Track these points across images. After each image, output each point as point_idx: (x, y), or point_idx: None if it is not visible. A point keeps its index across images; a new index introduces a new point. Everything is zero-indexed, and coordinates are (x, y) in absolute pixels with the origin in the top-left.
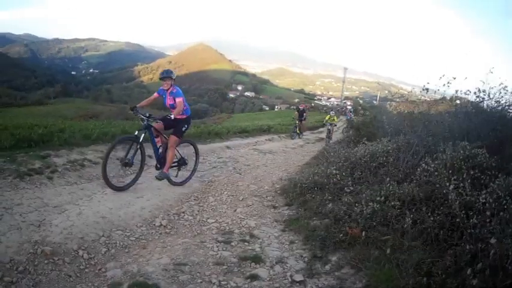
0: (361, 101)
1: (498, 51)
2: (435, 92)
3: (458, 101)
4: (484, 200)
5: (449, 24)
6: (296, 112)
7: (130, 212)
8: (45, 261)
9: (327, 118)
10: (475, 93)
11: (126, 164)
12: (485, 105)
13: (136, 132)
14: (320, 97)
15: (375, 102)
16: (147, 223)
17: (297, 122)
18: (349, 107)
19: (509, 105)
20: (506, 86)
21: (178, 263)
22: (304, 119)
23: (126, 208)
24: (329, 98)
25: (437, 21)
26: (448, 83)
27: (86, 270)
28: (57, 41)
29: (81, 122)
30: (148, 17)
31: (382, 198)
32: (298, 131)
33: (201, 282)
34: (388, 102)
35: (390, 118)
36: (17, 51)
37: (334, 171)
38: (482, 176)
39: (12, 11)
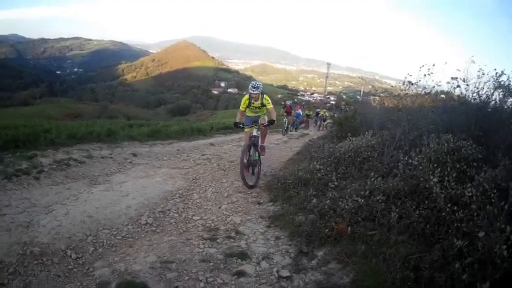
0: (344, 96)
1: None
2: (417, 83)
3: (443, 96)
4: (470, 194)
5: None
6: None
7: (116, 210)
8: (35, 262)
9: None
10: (458, 86)
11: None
12: (465, 93)
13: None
14: (303, 93)
15: (358, 97)
16: (133, 221)
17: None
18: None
19: (488, 96)
20: (483, 73)
21: (165, 261)
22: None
23: (112, 207)
24: (312, 94)
25: (419, 16)
26: (429, 70)
27: (75, 270)
28: (43, 40)
29: (67, 121)
30: (132, 15)
31: (367, 192)
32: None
33: (188, 279)
34: (372, 97)
35: (374, 113)
36: (3, 52)
37: (318, 167)
38: (468, 169)
39: None
